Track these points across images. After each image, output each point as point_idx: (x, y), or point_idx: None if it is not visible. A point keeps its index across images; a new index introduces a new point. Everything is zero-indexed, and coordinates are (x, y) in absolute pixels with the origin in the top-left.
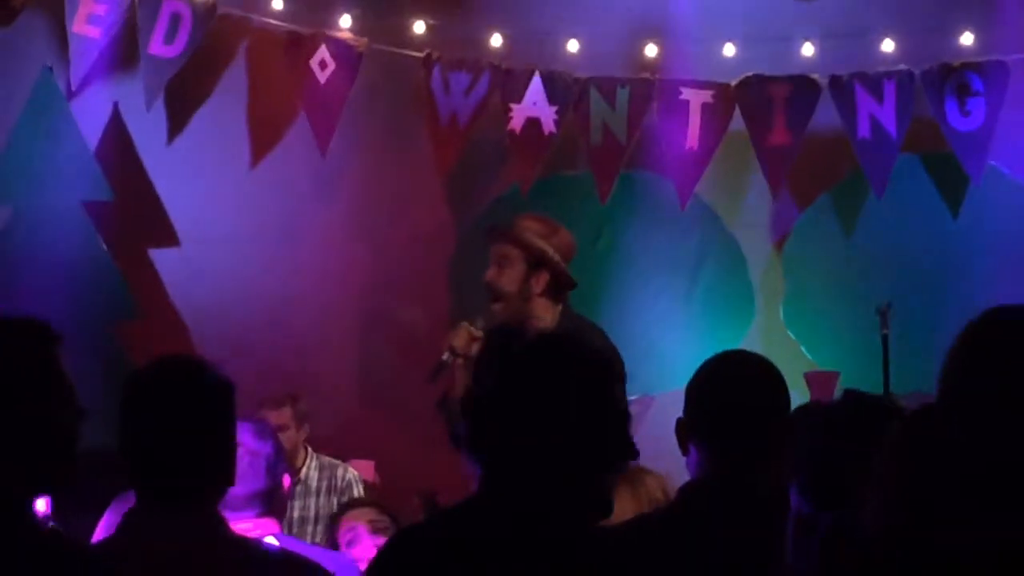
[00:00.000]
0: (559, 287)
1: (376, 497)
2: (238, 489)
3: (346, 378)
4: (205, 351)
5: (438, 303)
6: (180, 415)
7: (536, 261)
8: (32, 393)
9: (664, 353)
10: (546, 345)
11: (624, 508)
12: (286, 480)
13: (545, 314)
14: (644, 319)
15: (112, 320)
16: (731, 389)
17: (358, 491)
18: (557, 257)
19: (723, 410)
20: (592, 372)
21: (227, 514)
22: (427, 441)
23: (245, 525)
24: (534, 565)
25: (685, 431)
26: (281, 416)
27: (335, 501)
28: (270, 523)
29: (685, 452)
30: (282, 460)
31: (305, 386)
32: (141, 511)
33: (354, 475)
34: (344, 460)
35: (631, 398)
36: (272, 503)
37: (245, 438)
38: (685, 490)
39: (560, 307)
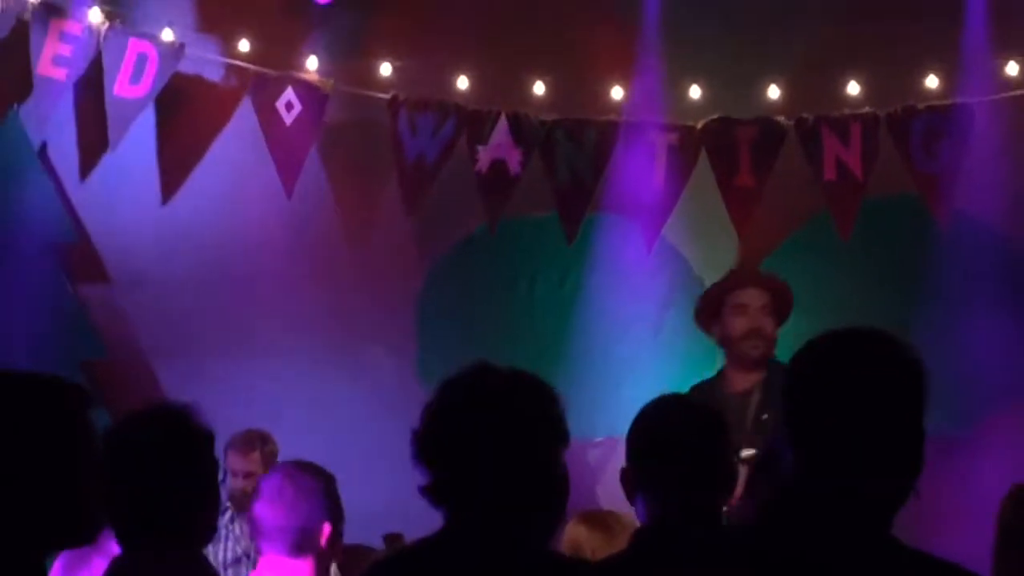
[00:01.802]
0: None
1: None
2: (273, 519)
3: (310, 419)
4: (169, 390)
5: (405, 343)
6: (163, 464)
7: (780, 312)
8: (65, 456)
9: (630, 395)
10: (503, 394)
11: (599, 551)
12: (326, 528)
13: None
14: (610, 361)
15: (79, 359)
16: (667, 438)
17: None
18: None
19: (661, 459)
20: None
21: (260, 542)
22: (391, 484)
23: (277, 566)
24: None
25: (630, 479)
26: (249, 462)
27: None
28: (304, 567)
29: (632, 501)
30: (324, 504)
31: (269, 427)
32: (128, 558)
33: None
34: None
35: (597, 439)
36: (306, 543)
37: (294, 473)
38: (635, 537)
39: None
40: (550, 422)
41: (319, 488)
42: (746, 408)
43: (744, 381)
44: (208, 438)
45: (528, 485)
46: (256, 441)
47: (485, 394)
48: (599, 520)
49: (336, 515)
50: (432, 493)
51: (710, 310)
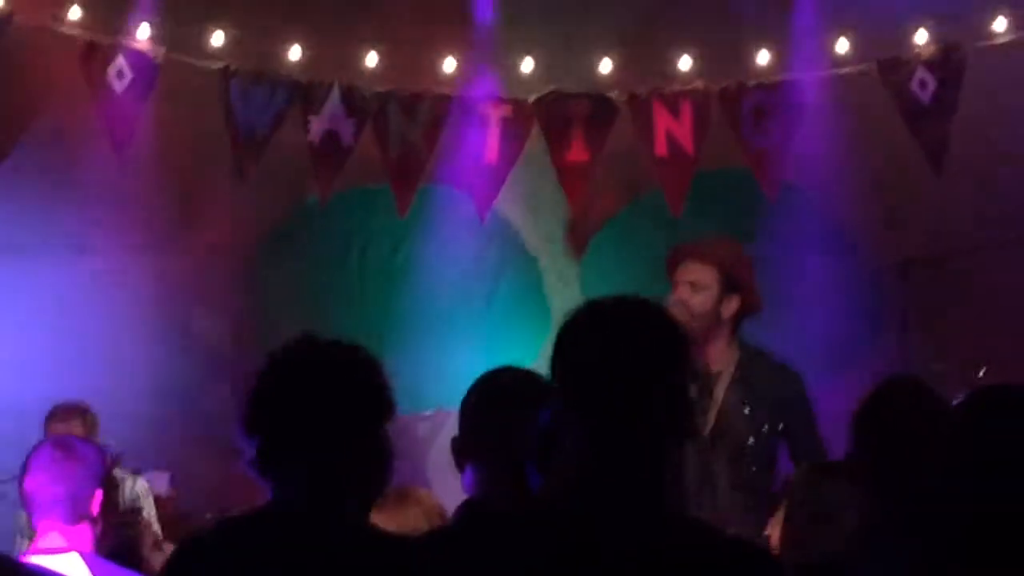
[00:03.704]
0: (744, 314)
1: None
2: (47, 490)
3: (140, 388)
4: None
5: (235, 314)
6: None
7: (731, 285)
8: None
9: (460, 367)
10: (326, 366)
11: (391, 525)
12: (98, 494)
13: (729, 341)
14: (441, 333)
15: None
16: (501, 408)
17: (147, 503)
18: (752, 283)
19: (494, 429)
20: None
21: (34, 516)
22: (223, 453)
23: (55, 535)
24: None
25: (460, 450)
26: (70, 429)
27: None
28: (83, 534)
29: (461, 470)
30: (93, 471)
31: (97, 397)
32: None
33: (143, 487)
34: (139, 473)
35: (427, 412)
36: (79, 511)
37: (60, 443)
38: (465, 508)
39: (736, 336)
40: (373, 394)
41: (86, 456)
42: (709, 388)
43: (720, 346)
44: None
45: (351, 458)
46: (76, 410)
47: (307, 366)
48: (384, 505)
49: (108, 482)
50: (257, 466)
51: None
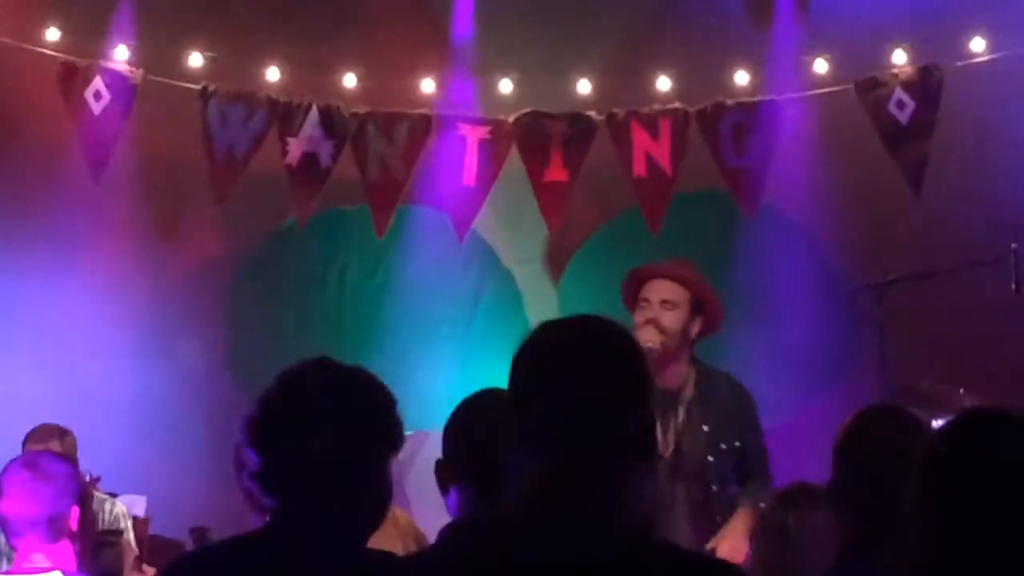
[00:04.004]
0: (703, 335)
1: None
2: (23, 513)
3: (119, 412)
4: None
5: (215, 337)
6: None
7: (698, 305)
8: None
9: (440, 388)
10: (343, 389)
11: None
12: (75, 511)
13: (688, 361)
14: (420, 354)
15: None
16: (483, 431)
17: (126, 526)
18: (717, 303)
19: (479, 452)
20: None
21: (12, 539)
22: (200, 476)
23: (37, 556)
24: None
25: (444, 473)
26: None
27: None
28: (65, 552)
29: (444, 493)
30: (69, 488)
31: (75, 420)
32: None
33: (122, 510)
34: (116, 495)
35: (406, 433)
36: (58, 530)
37: (32, 462)
38: (449, 530)
39: (692, 355)
40: (385, 424)
41: (58, 473)
42: (673, 407)
43: (660, 378)
44: None
45: (356, 486)
46: (55, 432)
47: (325, 386)
48: None
49: (84, 497)
50: (261, 480)
51: (628, 301)
